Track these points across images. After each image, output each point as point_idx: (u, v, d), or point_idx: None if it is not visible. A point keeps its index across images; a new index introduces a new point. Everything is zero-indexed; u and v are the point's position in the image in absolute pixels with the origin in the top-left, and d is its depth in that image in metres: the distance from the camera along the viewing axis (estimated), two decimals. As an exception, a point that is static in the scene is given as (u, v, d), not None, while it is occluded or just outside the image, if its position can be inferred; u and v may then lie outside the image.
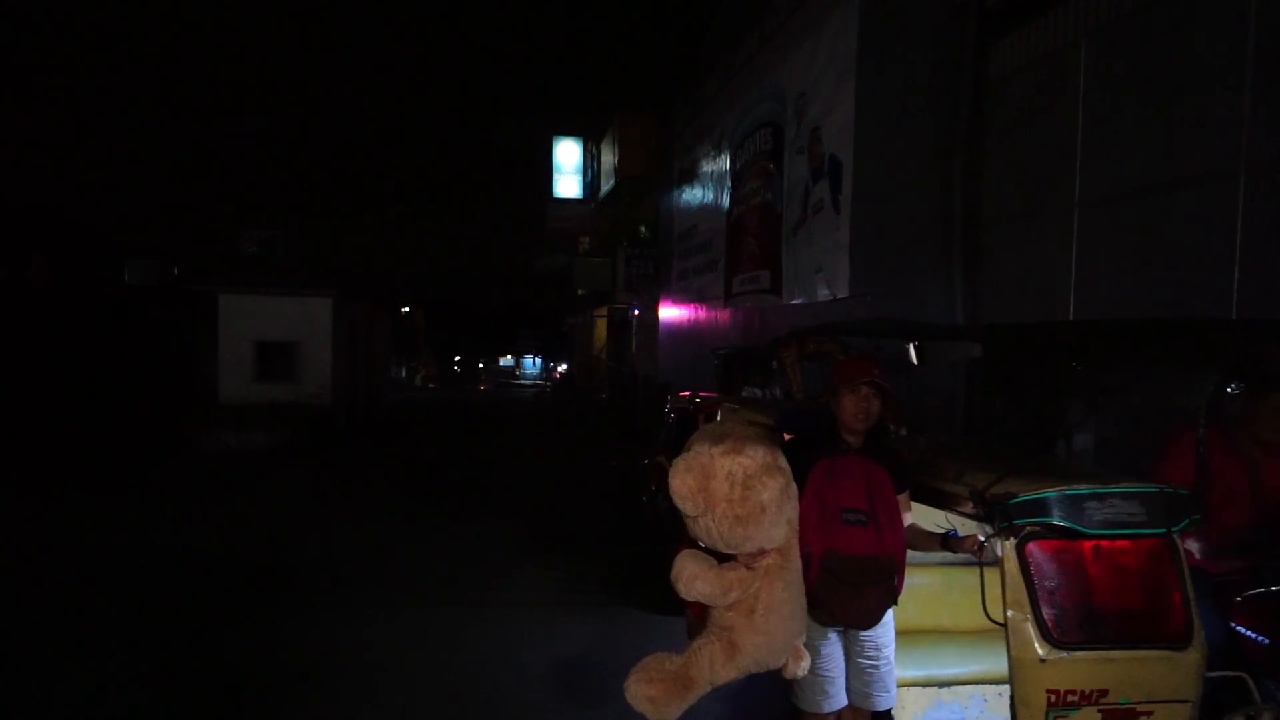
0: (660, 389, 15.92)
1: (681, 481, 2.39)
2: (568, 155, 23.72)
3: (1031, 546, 2.26)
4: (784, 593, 2.42)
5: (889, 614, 2.67)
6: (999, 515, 2.26)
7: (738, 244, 13.16)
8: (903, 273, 7.86)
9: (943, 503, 2.61)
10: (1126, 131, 5.67)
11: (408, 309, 53.26)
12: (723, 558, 2.44)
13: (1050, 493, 2.23)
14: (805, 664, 2.53)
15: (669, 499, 7.03)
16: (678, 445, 7.03)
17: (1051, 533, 2.25)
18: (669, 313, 18.12)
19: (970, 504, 2.40)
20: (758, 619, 2.37)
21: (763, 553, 2.39)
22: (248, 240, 26.51)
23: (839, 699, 2.68)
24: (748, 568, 2.40)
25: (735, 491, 2.33)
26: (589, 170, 23.67)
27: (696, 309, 15.83)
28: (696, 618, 2.56)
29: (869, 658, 2.62)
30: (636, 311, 20.84)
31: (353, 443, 14.26)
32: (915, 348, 4.01)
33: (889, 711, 2.68)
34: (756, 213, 12.23)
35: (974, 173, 7.20)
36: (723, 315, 14.08)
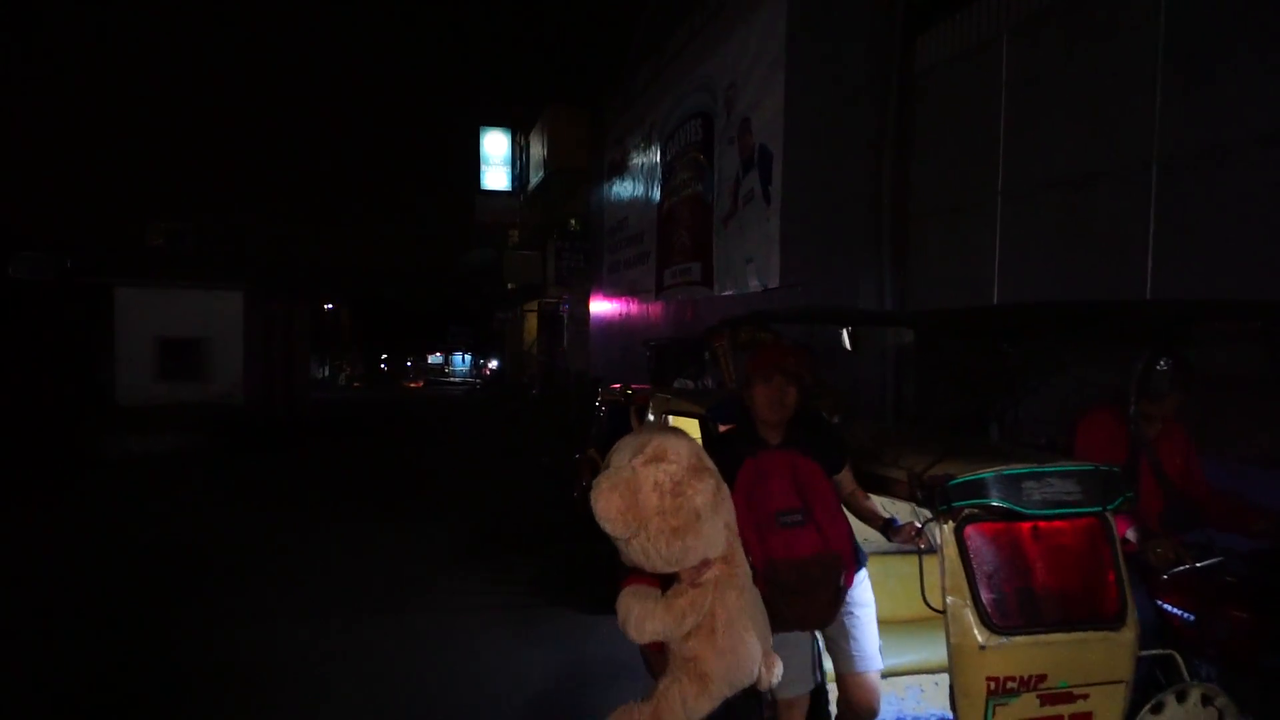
0: (593, 383, 15.74)
1: (607, 503, 2.14)
2: (495, 146, 23.27)
3: (970, 529, 2.19)
4: (739, 600, 2.23)
5: (862, 575, 2.58)
6: (937, 498, 2.19)
7: (669, 236, 13.10)
8: (833, 263, 7.90)
9: (881, 488, 2.53)
10: (1047, 124, 5.79)
11: (331, 305, 51.49)
12: (666, 582, 2.24)
13: (988, 473, 2.17)
14: (779, 670, 2.34)
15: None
16: (609, 439, 6.88)
17: (990, 514, 2.19)
18: (601, 306, 17.96)
19: (908, 487, 2.32)
20: (720, 639, 2.18)
21: (707, 564, 2.21)
22: (155, 232, 25.05)
23: (812, 679, 2.57)
24: (694, 585, 2.19)
25: (666, 501, 2.14)
26: (518, 162, 23.27)
27: (628, 302, 15.72)
28: (655, 654, 2.35)
29: (842, 619, 2.52)
30: (567, 306, 20.60)
31: (269, 445, 13.52)
32: (848, 334, 3.96)
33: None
34: (687, 204, 12.19)
35: (902, 163, 7.28)
36: (655, 308, 14.00)
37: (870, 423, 3.46)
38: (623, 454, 2.24)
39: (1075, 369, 3.14)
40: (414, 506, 9.03)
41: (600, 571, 5.89)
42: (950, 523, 2.19)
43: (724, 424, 4.61)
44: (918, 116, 7.19)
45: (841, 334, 4.14)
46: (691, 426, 5.50)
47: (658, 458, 2.19)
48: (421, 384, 50.10)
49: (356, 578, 6.20)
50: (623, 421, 6.74)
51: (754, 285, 9.49)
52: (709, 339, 6.29)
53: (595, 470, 7.08)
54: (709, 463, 2.29)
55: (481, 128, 23.34)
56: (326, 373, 51.24)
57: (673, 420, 5.37)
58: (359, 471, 11.69)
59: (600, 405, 7.46)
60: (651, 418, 5.58)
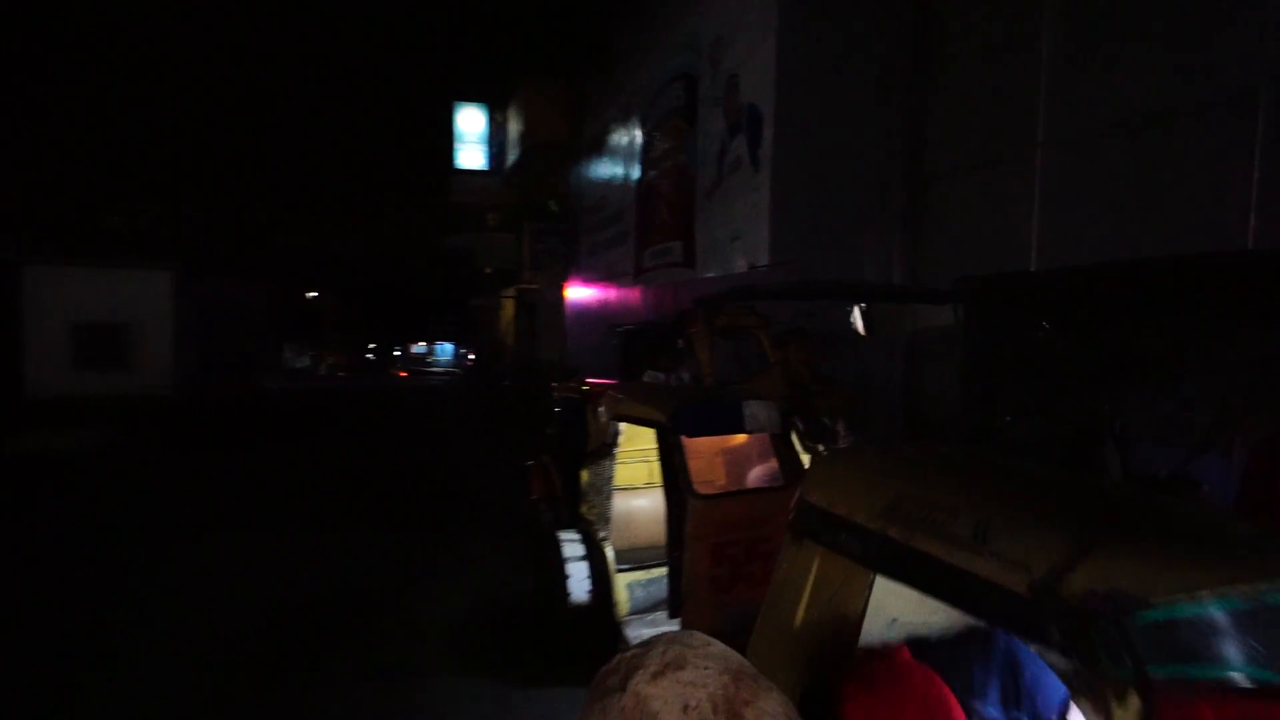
0: (567, 375, 14.54)
1: None
2: (471, 123, 21.94)
3: (1170, 710, 1.01)
4: None
5: None
6: (1104, 648, 1.00)
7: (649, 213, 11.89)
8: (833, 236, 6.74)
9: (953, 592, 1.32)
10: (1104, 55, 4.67)
11: (315, 294, 50.03)
12: None
13: (1219, 602, 0.98)
14: None
15: (553, 509, 5.52)
16: (565, 442, 5.65)
17: (1217, 685, 1.00)
18: (577, 293, 16.76)
19: (1030, 610, 1.12)
20: None
21: None
22: (111, 215, 24.02)
23: None
24: None
25: None
26: (495, 140, 21.97)
27: (606, 288, 14.52)
28: None
29: None
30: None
31: (200, 442, 12.14)
32: (862, 313, 2.77)
33: None
34: (669, 177, 10.97)
35: (916, 117, 6.15)
36: (633, 294, 12.81)
37: (918, 444, 2.25)
38: (611, 675, 1.03)
39: (1242, 359, 1.96)
40: (339, 521, 7.80)
41: (536, 620, 4.70)
42: (1133, 696, 1.00)
43: (690, 435, 3.41)
44: (936, 56, 6.02)
45: (852, 313, 2.94)
46: (647, 436, 4.32)
47: (674, 665, 0.98)
48: (406, 374, 48.92)
49: (229, 617, 4.99)
50: (580, 422, 5.56)
51: (740, 265, 8.31)
52: (682, 323, 5.12)
53: (546, 481, 5.77)
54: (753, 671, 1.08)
55: (455, 103, 22.00)
56: (307, 361, 49.85)
57: (624, 429, 4.18)
58: (294, 473, 10.38)
59: (554, 402, 6.25)
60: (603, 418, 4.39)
